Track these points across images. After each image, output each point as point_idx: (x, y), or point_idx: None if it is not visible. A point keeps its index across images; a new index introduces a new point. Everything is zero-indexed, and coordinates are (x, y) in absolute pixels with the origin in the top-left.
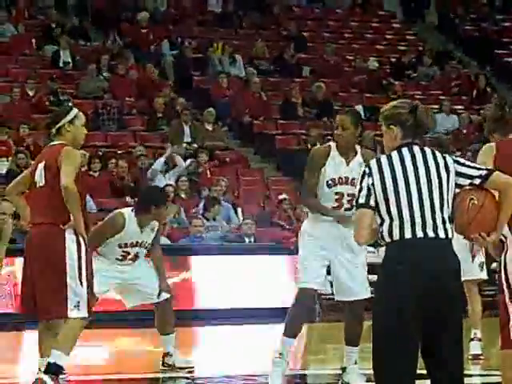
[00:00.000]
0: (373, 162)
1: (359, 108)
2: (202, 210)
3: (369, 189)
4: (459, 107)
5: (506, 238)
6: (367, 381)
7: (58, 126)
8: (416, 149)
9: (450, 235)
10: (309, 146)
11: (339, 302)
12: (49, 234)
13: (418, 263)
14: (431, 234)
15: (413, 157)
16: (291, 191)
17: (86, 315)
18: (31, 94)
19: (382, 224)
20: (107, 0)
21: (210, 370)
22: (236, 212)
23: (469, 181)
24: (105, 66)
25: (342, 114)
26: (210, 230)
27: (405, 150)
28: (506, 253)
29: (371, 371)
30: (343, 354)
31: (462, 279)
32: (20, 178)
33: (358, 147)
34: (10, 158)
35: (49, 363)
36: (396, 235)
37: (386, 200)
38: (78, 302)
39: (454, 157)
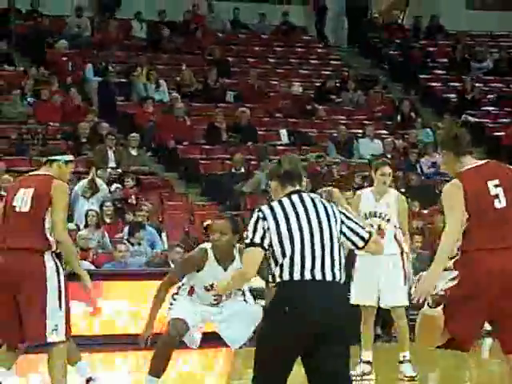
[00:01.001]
0: (265, 207)
1: (283, 133)
2: (126, 235)
3: (264, 231)
4: (383, 132)
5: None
6: None
7: (52, 158)
8: (305, 195)
9: (337, 278)
10: (233, 170)
11: None
12: (29, 260)
13: (303, 305)
14: (319, 276)
15: (303, 203)
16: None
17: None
18: None
19: (275, 265)
20: (30, 26)
21: None
22: (161, 237)
23: (355, 236)
24: (29, 91)
25: (219, 220)
26: (135, 255)
27: (295, 197)
28: None
29: None
30: None
31: (394, 305)
32: None
33: (236, 252)
34: None
35: None
36: (286, 276)
37: (281, 243)
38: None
39: (339, 208)
